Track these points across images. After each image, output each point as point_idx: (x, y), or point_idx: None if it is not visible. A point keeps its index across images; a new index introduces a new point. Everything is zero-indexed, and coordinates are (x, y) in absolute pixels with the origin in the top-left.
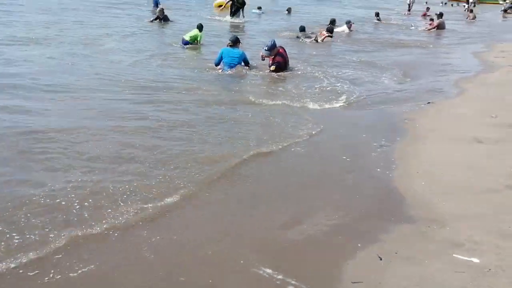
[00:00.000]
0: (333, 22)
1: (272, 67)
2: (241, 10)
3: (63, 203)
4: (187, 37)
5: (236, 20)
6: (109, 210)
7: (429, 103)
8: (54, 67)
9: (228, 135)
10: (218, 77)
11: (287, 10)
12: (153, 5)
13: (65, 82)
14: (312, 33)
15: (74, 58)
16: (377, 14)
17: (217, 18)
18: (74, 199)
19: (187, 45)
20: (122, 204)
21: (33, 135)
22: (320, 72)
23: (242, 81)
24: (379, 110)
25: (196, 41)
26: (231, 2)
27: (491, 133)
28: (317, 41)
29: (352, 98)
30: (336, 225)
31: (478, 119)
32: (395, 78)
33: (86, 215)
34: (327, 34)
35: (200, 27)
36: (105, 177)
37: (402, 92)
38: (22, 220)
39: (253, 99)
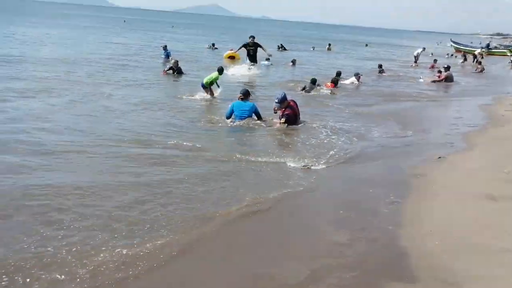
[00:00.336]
0: (339, 74)
1: (283, 120)
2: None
3: (50, 249)
4: (204, 80)
5: (249, 70)
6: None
7: (439, 158)
8: (58, 122)
9: (220, 191)
10: (220, 131)
11: (291, 61)
12: (164, 56)
13: (66, 138)
14: (318, 85)
15: (78, 111)
16: (380, 66)
17: (227, 72)
18: (63, 247)
19: (204, 88)
20: (108, 256)
21: (30, 190)
22: (324, 126)
23: (245, 135)
24: (386, 164)
25: (212, 83)
26: (244, 49)
27: (504, 189)
28: (331, 93)
29: (356, 151)
30: (348, 285)
31: (490, 175)
32: (401, 132)
33: (72, 262)
34: (331, 86)
35: (220, 70)
36: (93, 232)
37: (411, 146)
38: (11, 263)
39: (249, 155)
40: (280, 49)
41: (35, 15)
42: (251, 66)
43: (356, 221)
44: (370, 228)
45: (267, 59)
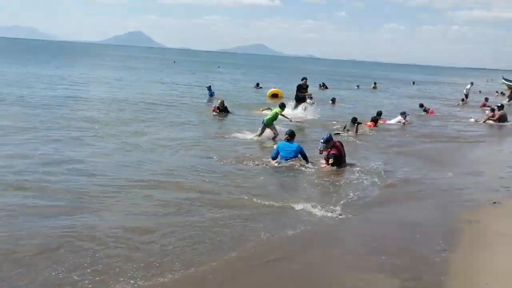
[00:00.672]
0: (379, 113)
1: (331, 160)
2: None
3: (76, 277)
4: (266, 118)
5: (297, 111)
6: None
7: (495, 203)
8: (93, 164)
9: (239, 234)
10: (248, 172)
11: (331, 100)
12: (208, 96)
13: (96, 180)
14: (360, 123)
15: (117, 151)
16: (421, 106)
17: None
18: (88, 275)
19: (265, 126)
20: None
21: (58, 229)
22: (363, 167)
23: (277, 176)
24: (433, 207)
25: (274, 120)
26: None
27: None
28: (356, 132)
29: (398, 193)
30: None
31: None
32: (447, 173)
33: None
34: (371, 126)
35: (281, 106)
36: (115, 264)
37: (462, 189)
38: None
39: (275, 198)
40: (322, 87)
41: (89, 57)
42: (302, 106)
43: (406, 269)
44: (421, 278)
45: (310, 97)
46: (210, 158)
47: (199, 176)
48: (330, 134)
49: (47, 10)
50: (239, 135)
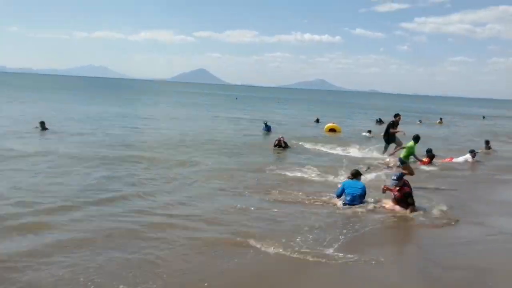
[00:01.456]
0: (429, 151)
1: (410, 199)
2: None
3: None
4: (401, 155)
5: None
6: None
7: None
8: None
9: None
10: (316, 212)
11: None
12: (265, 130)
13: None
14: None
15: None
16: (487, 142)
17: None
18: None
19: (403, 164)
20: None
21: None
22: (431, 209)
23: (344, 219)
24: (505, 253)
25: (411, 154)
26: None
27: None
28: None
29: (469, 238)
30: None
31: None
32: None
33: None
34: (427, 162)
35: (415, 138)
36: None
37: None
38: None
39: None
40: (378, 123)
41: (156, 94)
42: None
43: None
44: None
45: (369, 131)
46: (269, 195)
47: (254, 214)
48: (402, 173)
49: (118, 50)
50: (299, 171)
